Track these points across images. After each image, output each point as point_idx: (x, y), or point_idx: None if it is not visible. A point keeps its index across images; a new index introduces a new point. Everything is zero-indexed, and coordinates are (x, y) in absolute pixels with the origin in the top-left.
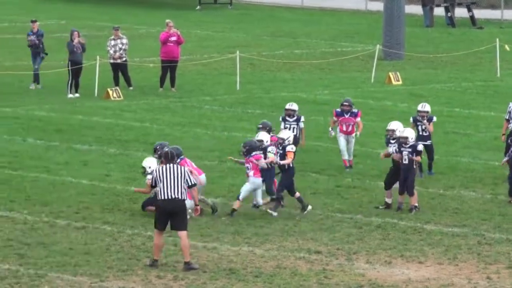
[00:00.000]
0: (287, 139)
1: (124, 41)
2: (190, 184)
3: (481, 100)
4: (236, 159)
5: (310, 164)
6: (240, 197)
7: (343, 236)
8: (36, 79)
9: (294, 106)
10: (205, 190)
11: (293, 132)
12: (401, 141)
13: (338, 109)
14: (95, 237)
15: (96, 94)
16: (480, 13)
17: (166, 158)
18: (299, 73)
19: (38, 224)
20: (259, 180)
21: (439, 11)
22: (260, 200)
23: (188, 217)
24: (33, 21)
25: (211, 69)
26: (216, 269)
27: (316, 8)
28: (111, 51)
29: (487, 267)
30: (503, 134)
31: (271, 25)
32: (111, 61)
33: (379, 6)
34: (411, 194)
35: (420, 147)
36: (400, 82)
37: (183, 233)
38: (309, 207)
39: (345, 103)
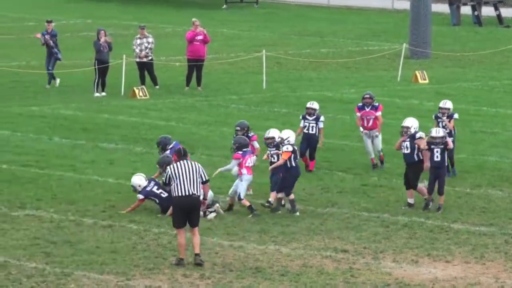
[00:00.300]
0: (286, 139)
1: (150, 40)
2: (204, 179)
3: (508, 98)
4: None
5: (336, 163)
6: (242, 196)
7: (370, 235)
8: (49, 79)
9: (315, 105)
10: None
11: (312, 130)
12: (436, 141)
13: (360, 103)
14: (121, 236)
15: (122, 93)
16: (507, 12)
17: (179, 154)
18: (326, 72)
19: (64, 223)
20: (251, 176)
21: (466, 10)
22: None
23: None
24: (48, 22)
25: (238, 68)
26: (242, 268)
27: (343, 7)
28: (137, 50)
29: None
30: None
31: (297, 24)
32: (137, 60)
33: (406, 5)
34: (442, 193)
35: (418, 135)
36: (427, 81)
37: (196, 229)
38: (297, 213)
39: (366, 96)
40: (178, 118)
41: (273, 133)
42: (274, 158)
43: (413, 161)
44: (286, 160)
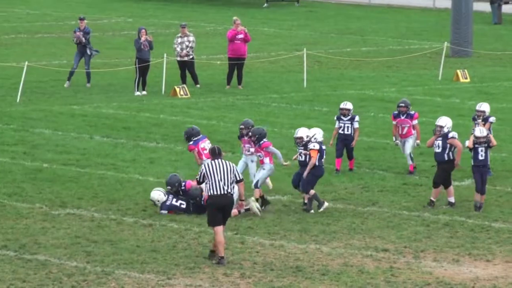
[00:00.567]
0: (313, 136)
1: (191, 38)
2: (238, 179)
3: None
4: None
5: (377, 161)
6: (259, 185)
7: (411, 234)
8: (88, 78)
9: (348, 105)
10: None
11: (347, 131)
12: (480, 141)
13: (395, 111)
14: (162, 235)
15: (163, 92)
16: None
17: (213, 153)
18: (367, 71)
19: (105, 222)
20: (273, 165)
21: (507, 8)
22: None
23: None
24: (81, 19)
25: (278, 66)
26: (283, 267)
27: (384, 5)
28: (178, 49)
29: None
30: None
31: (338, 23)
32: (178, 58)
33: (447, 4)
34: (484, 192)
35: (451, 134)
36: (468, 80)
37: (224, 227)
38: (312, 211)
39: (401, 104)
40: (219, 117)
41: (301, 132)
42: (302, 157)
43: (443, 159)
44: (316, 158)
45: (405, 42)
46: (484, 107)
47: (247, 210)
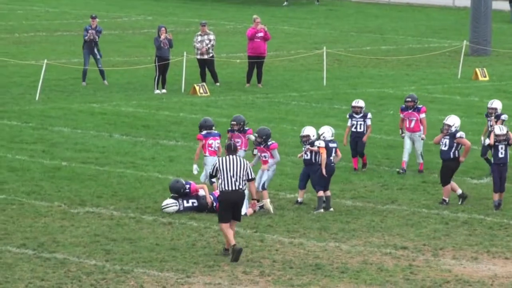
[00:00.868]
0: (321, 134)
1: (211, 37)
2: (250, 177)
3: None
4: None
5: (396, 159)
6: (266, 186)
7: (430, 232)
8: (102, 75)
9: (360, 103)
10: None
11: (360, 129)
12: (499, 138)
13: (403, 105)
14: (181, 233)
15: (183, 90)
16: None
17: (229, 149)
18: (386, 69)
19: (124, 220)
20: (275, 166)
21: None
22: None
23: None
24: (93, 17)
25: (298, 65)
26: (302, 265)
27: (404, 3)
28: (198, 45)
29: None
30: None
31: (358, 21)
32: (198, 57)
33: (466, 2)
34: (503, 189)
35: (459, 134)
36: (487, 78)
37: (234, 223)
38: (321, 210)
39: (408, 99)
40: None
41: (308, 131)
42: (307, 155)
43: (448, 157)
44: (325, 153)
45: (424, 41)
46: (496, 104)
47: (261, 207)
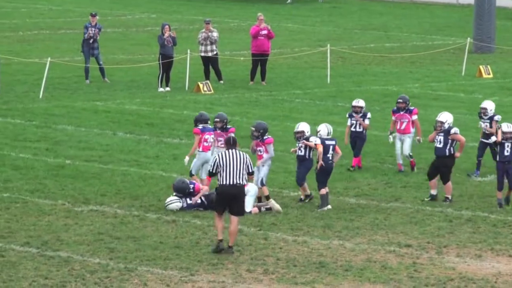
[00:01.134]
0: (318, 131)
1: (215, 34)
2: (249, 171)
3: None
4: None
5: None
6: (264, 182)
7: (433, 230)
8: (102, 73)
9: (361, 102)
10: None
11: (359, 128)
12: (506, 136)
13: (395, 107)
14: (185, 231)
15: (186, 88)
16: None
17: (228, 143)
18: (390, 67)
19: (128, 218)
20: (270, 161)
21: None
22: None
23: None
24: (93, 15)
25: (302, 62)
26: (306, 263)
27: (408, 1)
28: (202, 44)
29: None
30: None
31: (362, 19)
32: (202, 54)
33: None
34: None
35: (453, 130)
36: (491, 76)
37: (236, 219)
38: (325, 208)
39: (399, 100)
40: (242, 113)
41: (302, 127)
42: (301, 151)
43: (443, 154)
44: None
45: (428, 38)
46: (486, 104)
47: (268, 209)
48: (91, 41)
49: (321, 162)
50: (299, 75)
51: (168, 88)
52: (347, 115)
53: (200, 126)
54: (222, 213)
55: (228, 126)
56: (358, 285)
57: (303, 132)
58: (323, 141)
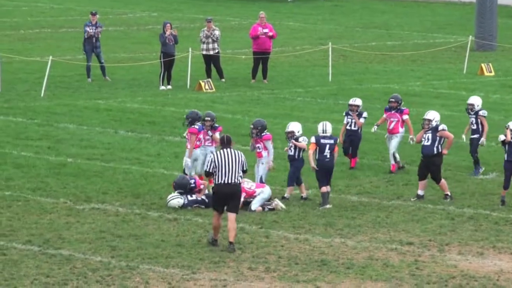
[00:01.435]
0: (297, 131)
1: (217, 33)
2: (245, 169)
3: None
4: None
5: (402, 155)
6: (264, 180)
7: (435, 228)
8: (103, 72)
9: (357, 101)
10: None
11: (355, 127)
12: None
13: (387, 106)
14: (187, 229)
15: (188, 86)
16: None
17: (223, 142)
18: (391, 65)
19: (130, 216)
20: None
21: None
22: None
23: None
24: (93, 14)
25: (303, 60)
26: (308, 261)
27: None
28: (204, 43)
29: None
30: None
31: (363, 17)
32: (204, 53)
33: None
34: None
35: (441, 127)
36: (493, 73)
37: (233, 215)
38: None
39: (391, 99)
40: (244, 111)
41: (292, 127)
42: (291, 151)
43: (431, 153)
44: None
45: (429, 36)
46: (473, 100)
47: (272, 209)
48: (93, 39)
49: (312, 165)
50: (301, 73)
51: (169, 87)
52: (344, 114)
53: (197, 126)
54: (221, 212)
55: (216, 125)
56: (359, 283)
57: (293, 132)
58: (318, 139)
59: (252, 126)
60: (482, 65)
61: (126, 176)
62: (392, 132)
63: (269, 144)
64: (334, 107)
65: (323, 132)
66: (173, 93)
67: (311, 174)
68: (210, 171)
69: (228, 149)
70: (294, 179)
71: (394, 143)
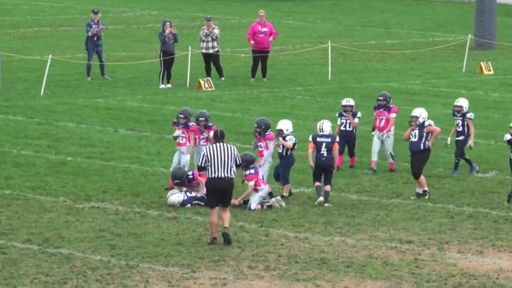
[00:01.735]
0: (286, 129)
1: (216, 31)
2: (238, 163)
3: None
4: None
5: (401, 154)
6: (265, 179)
7: (435, 226)
8: (102, 71)
9: (351, 101)
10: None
11: (349, 127)
12: None
13: (376, 104)
14: (186, 228)
15: (187, 85)
16: None
17: (216, 137)
18: (391, 63)
19: (129, 215)
20: (271, 158)
21: None
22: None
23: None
24: (95, 12)
25: (303, 59)
26: (307, 259)
27: None
28: (203, 41)
29: None
30: None
31: (362, 15)
32: (203, 51)
33: None
34: None
35: (427, 122)
36: (492, 72)
37: (227, 208)
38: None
39: (379, 98)
40: (244, 110)
41: (281, 125)
42: (280, 149)
43: (418, 149)
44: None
45: (429, 35)
46: (461, 102)
47: (270, 206)
48: (95, 38)
49: (311, 164)
50: (300, 71)
51: (169, 85)
52: (337, 114)
53: (192, 124)
54: (216, 206)
55: (209, 124)
56: (359, 282)
57: (281, 130)
58: (314, 138)
59: (256, 124)
60: (481, 63)
61: (126, 175)
62: (383, 129)
63: (271, 144)
64: (333, 105)
65: (319, 131)
66: (173, 92)
67: (311, 173)
68: (203, 165)
69: (221, 143)
70: (288, 177)
71: (389, 142)
